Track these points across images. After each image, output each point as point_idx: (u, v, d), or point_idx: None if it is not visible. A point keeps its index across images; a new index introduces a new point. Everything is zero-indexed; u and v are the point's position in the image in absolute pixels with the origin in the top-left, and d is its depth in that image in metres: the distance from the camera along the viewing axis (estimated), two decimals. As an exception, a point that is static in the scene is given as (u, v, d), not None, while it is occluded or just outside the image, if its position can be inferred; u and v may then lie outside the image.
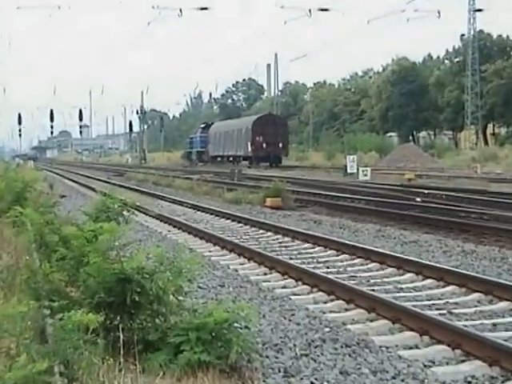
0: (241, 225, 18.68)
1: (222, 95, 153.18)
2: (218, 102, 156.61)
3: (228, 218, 20.01)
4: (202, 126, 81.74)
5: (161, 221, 19.73)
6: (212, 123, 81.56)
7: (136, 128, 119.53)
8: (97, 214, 9.86)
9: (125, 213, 10.33)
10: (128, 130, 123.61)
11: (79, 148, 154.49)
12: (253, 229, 17.71)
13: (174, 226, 18.52)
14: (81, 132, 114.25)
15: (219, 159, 72.31)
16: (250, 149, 64.54)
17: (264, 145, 63.96)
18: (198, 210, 22.75)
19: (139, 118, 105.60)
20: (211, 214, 21.49)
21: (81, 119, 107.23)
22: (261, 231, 17.20)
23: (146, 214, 20.46)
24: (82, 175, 52.38)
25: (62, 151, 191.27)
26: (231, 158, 69.26)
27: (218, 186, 30.69)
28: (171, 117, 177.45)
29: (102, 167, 76.05)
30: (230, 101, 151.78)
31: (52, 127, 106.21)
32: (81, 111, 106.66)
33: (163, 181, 38.44)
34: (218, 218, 20.45)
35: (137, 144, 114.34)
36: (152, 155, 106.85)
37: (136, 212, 11.64)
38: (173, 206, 24.73)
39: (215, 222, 19.59)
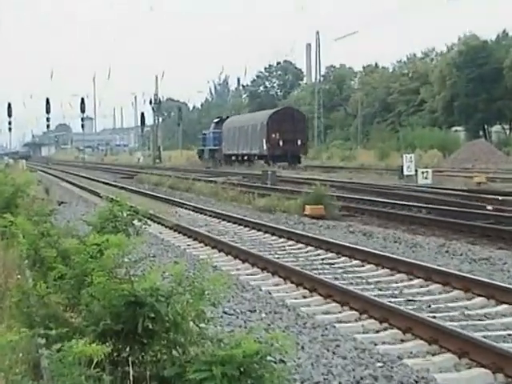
0: (275, 237, 18.69)
1: (253, 81, 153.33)
2: (247, 89, 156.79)
3: (259, 230, 20.04)
4: (216, 120, 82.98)
5: (179, 232, 19.82)
6: (227, 117, 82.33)
7: (149, 121, 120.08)
8: (102, 224, 9.90)
9: (135, 223, 10.37)
10: (139, 124, 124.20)
11: (80, 145, 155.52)
12: (289, 242, 17.71)
13: (195, 239, 18.59)
14: (83, 125, 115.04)
15: (234, 158, 73.38)
16: (265, 147, 65.70)
17: (281, 142, 65.21)
18: (224, 220, 22.81)
19: (153, 108, 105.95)
20: (239, 224, 21.53)
21: (83, 110, 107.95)
22: (299, 245, 17.21)
23: (161, 225, 20.55)
24: (83, 177, 52.75)
25: (59, 148, 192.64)
26: (245, 157, 70.41)
27: (247, 190, 30.72)
28: (191, 107, 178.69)
29: (107, 168, 76.55)
30: (261, 88, 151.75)
31: (48, 120, 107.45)
32: (83, 100, 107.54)
33: (181, 184, 38.60)
34: (248, 230, 20.48)
35: (150, 140, 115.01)
36: (168, 153, 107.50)
37: (149, 222, 11.69)
38: (193, 215, 24.81)
39: (244, 234, 19.62)
